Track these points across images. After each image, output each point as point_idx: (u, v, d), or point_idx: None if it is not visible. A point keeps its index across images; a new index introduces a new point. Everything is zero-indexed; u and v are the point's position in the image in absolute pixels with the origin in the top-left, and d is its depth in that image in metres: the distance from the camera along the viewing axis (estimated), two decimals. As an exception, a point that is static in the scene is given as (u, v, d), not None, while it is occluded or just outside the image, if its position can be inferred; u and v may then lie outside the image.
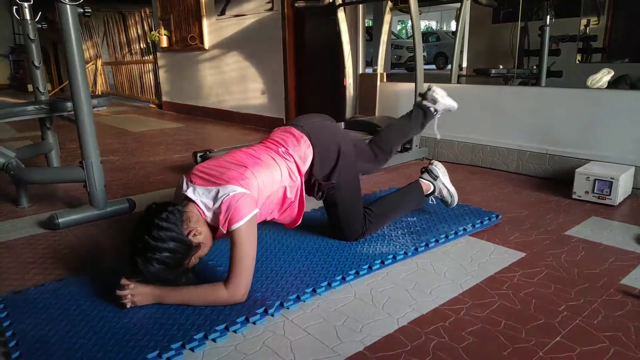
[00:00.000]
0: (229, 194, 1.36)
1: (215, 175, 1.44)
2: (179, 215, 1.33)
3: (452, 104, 2.15)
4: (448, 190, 2.05)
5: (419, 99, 2.20)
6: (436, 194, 2.05)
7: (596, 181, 2.26)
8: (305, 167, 1.64)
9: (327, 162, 1.69)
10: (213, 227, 1.41)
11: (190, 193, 1.42)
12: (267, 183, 1.50)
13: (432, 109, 2.12)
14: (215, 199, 1.38)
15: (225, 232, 1.37)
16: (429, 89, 2.15)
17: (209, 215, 1.40)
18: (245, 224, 1.34)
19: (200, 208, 1.40)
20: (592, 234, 1.92)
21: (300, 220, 1.69)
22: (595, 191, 2.28)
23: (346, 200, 1.75)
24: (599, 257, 1.70)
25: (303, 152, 1.64)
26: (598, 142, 2.56)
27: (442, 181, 2.05)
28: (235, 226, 1.33)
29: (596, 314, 1.33)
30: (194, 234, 1.35)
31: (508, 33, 3.63)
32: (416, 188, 2.02)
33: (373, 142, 2.06)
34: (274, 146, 1.63)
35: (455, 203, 2.07)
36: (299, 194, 1.63)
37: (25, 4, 2.67)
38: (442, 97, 2.12)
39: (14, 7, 2.73)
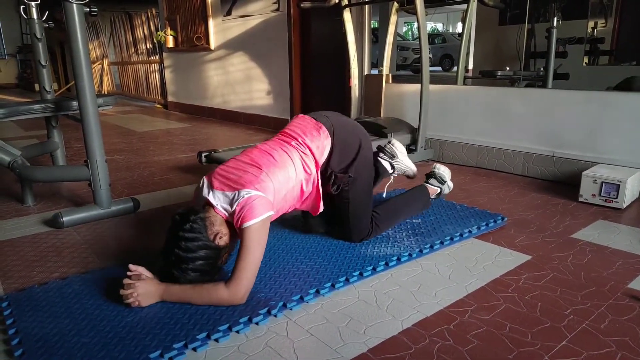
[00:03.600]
0: (244, 196, 1.38)
1: (233, 180, 1.46)
2: (201, 222, 1.37)
3: (411, 167, 2.04)
4: (449, 188, 2.19)
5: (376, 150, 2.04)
6: (441, 197, 2.13)
7: (603, 184, 2.24)
8: (322, 158, 1.64)
9: (347, 155, 1.69)
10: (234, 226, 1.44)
11: (211, 198, 1.45)
12: (282, 182, 1.51)
13: (388, 166, 2.01)
14: (232, 202, 1.40)
15: (237, 230, 1.39)
16: (389, 142, 2.04)
17: (229, 217, 1.42)
18: (257, 223, 1.35)
19: (221, 212, 1.43)
20: (599, 237, 1.90)
21: (322, 207, 1.66)
22: (602, 194, 2.25)
23: (358, 198, 1.75)
24: (606, 261, 1.68)
25: (322, 142, 1.64)
26: (605, 144, 2.54)
27: (448, 184, 2.16)
28: (246, 224, 1.34)
29: (603, 318, 1.32)
30: (220, 237, 1.39)
31: (514, 35, 3.61)
32: (423, 192, 2.07)
33: None
34: (288, 139, 1.63)
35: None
36: (315, 184, 1.63)
37: (33, 3, 2.68)
38: (402, 154, 2.02)
39: (22, 6, 2.75)
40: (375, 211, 1.86)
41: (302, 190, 1.60)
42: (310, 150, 1.61)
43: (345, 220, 1.78)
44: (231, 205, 1.40)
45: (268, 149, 1.58)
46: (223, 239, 1.40)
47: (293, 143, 1.61)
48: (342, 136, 1.69)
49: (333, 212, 1.80)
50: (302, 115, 1.75)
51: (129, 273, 1.37)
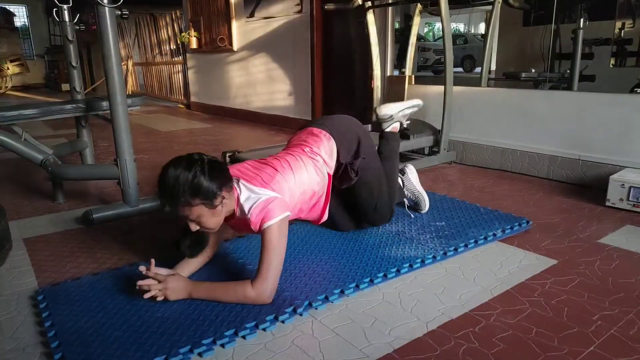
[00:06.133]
0: (261, 197, 1.41)
1: (250, 176, 1.50)
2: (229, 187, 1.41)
3: (421, 192, 2.18)
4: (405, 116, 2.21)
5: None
6: (405, 124, 2.24)
7: (631, 188, 2.20)
8: (333, 161, 1.70)
9: (350, 145, 1.74)
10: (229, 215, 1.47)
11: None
12: (297, 185, 1.56)
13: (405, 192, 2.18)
14: (248, 197, 1.43)
15: (257, 231, 1.41)
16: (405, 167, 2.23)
17: (238, 210, 1.46)
18: (276, 223, 1.38)
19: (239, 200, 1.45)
20: (627, 242, 1.87)
21: (326, 217, 1.75)
22: (630, 199, 2.22)
23: (376, 176, 1.82)
24: (635, 267, 1.66)
25: (326, 146, 1.69)
26: (633, 148, 2.49)
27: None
28: (266, 225, 1.38)
29: (632, 325, 1.30)
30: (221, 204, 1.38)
31: (539, 36, 3.57)
32: (392, 137, 2.14)
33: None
34: (299, 149, 1.68)
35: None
36: (327, 190, 1.69)
37: (65, 6, 2.76)
38: (416, 184, 2.18)
39: (54, 9, 2.83)
40: None
41: (313, 194, 1.64)
42: (321, 156, 1.67)
43: (371, 204, 1.83)
44: (247, 200, 1.42)
45: (282, 157, 1.64)
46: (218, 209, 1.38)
47: (305, 150, 1.67)
48: (341, 132, 1.75)
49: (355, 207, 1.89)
50: (299, 131, 1.82)
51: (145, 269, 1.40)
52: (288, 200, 1.50)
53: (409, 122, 2.18)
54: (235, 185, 1.45)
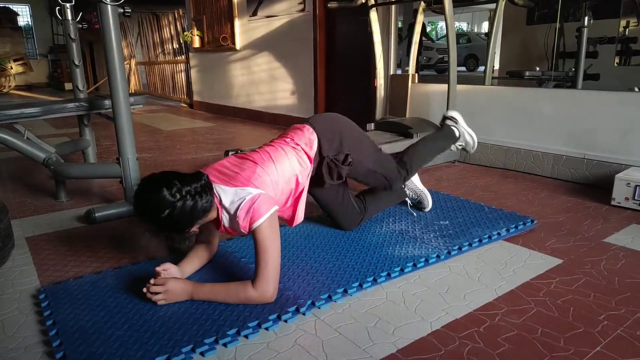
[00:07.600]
0: (245, 198, 1.39)
1: (230, 175, 1.46)
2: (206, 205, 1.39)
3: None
4: (470, 135, 2.19)
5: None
6: (460, 141, 2.20)
7: (637, 187, 2.18)
8: (313, 152, 1.68)
9: (333, 138, 1.74)
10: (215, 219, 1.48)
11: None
12: (279, 175, 1.54)
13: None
14: (232, 201, 1.40)
15: (247, 232, 1.39)
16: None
17: (225, 216, 1.44)
18: (265, 221, 1.36)
19: (222, 208, 1.43)
20: (633, 242, 1.85)
21: (300, 218, 1.67)
22: (635, 198, 2.20)
23: (366, 163, 1.82)
24: (641, 266, 1.64)
25: (307, 138, 1.69)
26: (639, 147, 2.47)
27: (467, 130, 2.19)
28: (256, 224, 1.36)
29: (639, 325, 1.28)
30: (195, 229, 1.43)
31: (543, 34, 3.55)
32: (444, 132, 2.19)
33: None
34: (282, 141, 1.68)
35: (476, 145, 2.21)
36: (307, 182, 1.67)
37: (67, 5, 2.76)
38: (417, 182, 2.20)
39: (57, 8, 2.83)
40: (363, 195, 2.03)
41: (297, 183, 1.62)
42: (300, 146, 1.66)
43: (378, 179, 1.88)
44: (231, 203, 1.40)
45: (262, 148, 1.63)
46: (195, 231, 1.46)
47: (287, 140, 1.67)
48: (322, 125, 1.75)
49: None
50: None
51: (158, 269, 1.41)
52: (273, 194, 1.48)
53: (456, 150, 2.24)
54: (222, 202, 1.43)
